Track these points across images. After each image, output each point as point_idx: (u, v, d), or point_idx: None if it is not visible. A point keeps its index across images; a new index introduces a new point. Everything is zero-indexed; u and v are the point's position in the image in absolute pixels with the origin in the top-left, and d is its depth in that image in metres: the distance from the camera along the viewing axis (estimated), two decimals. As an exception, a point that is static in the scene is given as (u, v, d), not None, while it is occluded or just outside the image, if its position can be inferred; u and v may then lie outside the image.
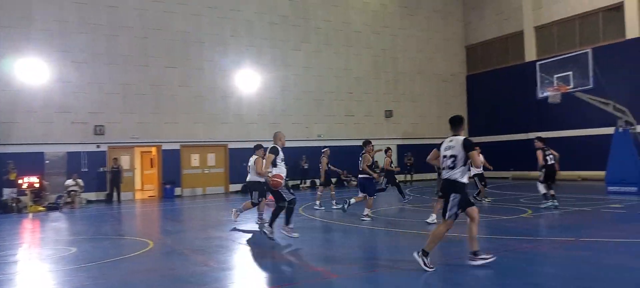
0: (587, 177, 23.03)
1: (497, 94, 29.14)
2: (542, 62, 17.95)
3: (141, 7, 22.60)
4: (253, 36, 25.17)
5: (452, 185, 6.61)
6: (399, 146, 28.35)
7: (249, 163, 11.41)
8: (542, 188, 13.19)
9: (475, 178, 14.88)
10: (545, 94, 17.07)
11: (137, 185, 25.21)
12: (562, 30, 26.07)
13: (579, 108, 20.63)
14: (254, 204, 11.45)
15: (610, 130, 17.66)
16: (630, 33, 22.75)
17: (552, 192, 13.06)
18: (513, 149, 26.66)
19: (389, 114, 28.64)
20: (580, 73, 15.90)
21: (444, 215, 6.70)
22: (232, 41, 24.64)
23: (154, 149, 23.88)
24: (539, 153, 13.17)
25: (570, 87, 16.17)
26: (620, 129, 16.54)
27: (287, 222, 9.26)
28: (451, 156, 6.63)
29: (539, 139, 13.66)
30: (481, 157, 6.21)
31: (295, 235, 9.21)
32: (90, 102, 21.37)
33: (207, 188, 23.90)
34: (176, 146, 23.21)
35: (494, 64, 29.94)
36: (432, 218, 10.91)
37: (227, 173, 24.34)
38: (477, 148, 6.81)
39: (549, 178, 13.09)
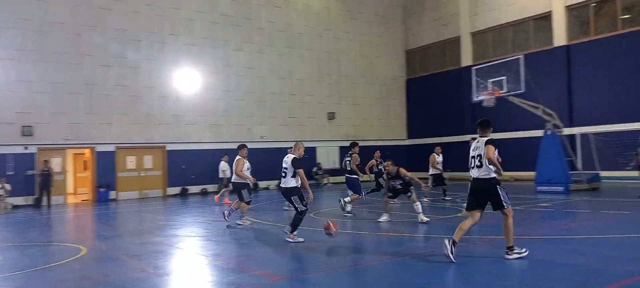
0: (518, 178, 24.12)
1: (435, 97, 30.01)
2: (478, 67, 18.65)
3: (74, 3, 21.58)
4: (193, 35, 24.64)
5: (489, 182, 6.98)
6: (341, 148, 28.63)
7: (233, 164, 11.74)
8: None
9: (430, 178, 15.33)
10: (480, 98, 17.73)
11: (70, 189, 24.09)
12: (497, 37, 27.20)
13: (512, 111, 21.60)
14: (248, 203, 11.53)
15: (539, 133, 18.59)
16: (558, 41, 24.06)
17: None
18: (450, 151, 27.52)
19: (331, 116, 28.84)
20: (513, 78, 16.64)
21: (501, 208, 7.02)
22: (171, 40, 24.00)
23: (87, 151, 22.87)
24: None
25: (504, 91, 16.89)
26: (549, 132, 17.45)
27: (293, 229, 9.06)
28: (478, 155, 7.05)
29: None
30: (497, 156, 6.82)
31: (301, 240, 8.97)
32: (17, 101, 20.17)
33: (144, 191, 23.13)
34: (111, 148, 22.33)
35: (433, 68, 30.81)
36: (384, 217, 11.13)
37: (165, 176, 23.66)
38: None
39: None
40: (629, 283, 5.64)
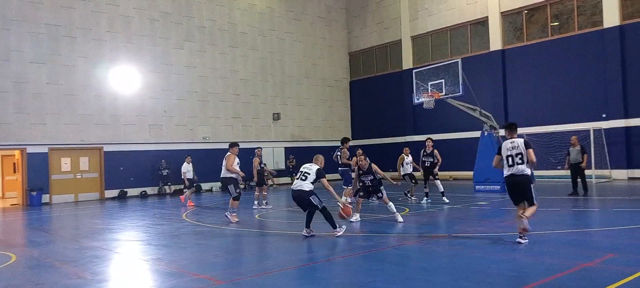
0: (457, 177, 24.97)
1: (378, 99, 30.56)
2: (418, 70, 19.10)
3: (2, -5, 20.42)
4: (131, 33, 23.86)
5: (526, 177, 7.98)
6: (286, 149, 28.60)
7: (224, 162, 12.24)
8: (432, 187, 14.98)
9: (406, 177, 15.58)
10: (420, 100, 18.18)
11: (-3, 193, 22.75)
12: (436, 41, 28.03)
13: (451, 113, 22.32)
14: (236, 198, 12.01)
15: (477, 134, 19.31)
16: (493, 45, 25.10)
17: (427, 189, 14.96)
18: (392, 151, 28.10)
19: (276, 117, 28.73)
20: (452, 81, 17.17)
21: (530, 202, 7.98)
22: (108, 37, 23.14)
23: (17, 153, 21.63)
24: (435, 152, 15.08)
25: (443, 93, 17.40)
26: (486, 133, 18.13)
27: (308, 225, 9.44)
28: (518, 154, 7.99)
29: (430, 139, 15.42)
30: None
31: (340, 232, 9.32)
32: (-63, 99, 18.86)
33: (79, 194, 22.18)
34: (44, 149, 21.25)
35: (376, 70, 31.36)
36: (356, 217, 11.13)
37: (102, 179, 22.78)
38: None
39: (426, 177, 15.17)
40: (560, 277, 5.94)
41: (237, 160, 12.39)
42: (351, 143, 32.49)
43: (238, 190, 12.06)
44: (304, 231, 9.40)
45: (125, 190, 23.11)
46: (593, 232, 8.67)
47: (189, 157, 19.43)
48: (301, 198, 9.37)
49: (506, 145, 8.16)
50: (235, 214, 12.08)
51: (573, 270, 6.22)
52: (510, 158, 8.03)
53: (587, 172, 16.01)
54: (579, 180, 15.43)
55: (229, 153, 12.32)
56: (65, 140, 21.82)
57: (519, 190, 8.02)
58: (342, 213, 9.61)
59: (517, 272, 6.24)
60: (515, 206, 8.23)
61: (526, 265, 6.66)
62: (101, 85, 22.84)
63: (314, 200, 9.27)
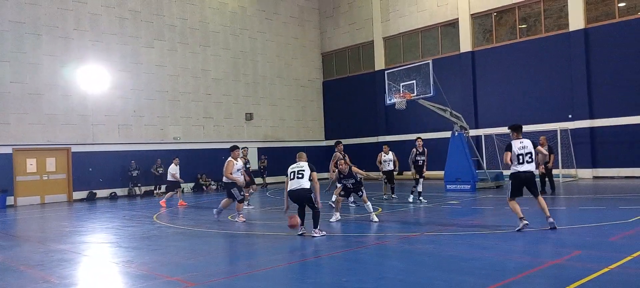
0: (428, 177, 25.19)
1: (351, 99, 30.68)
2: (390, 70, 19.25)
3: (-37, -9, 19.74)
4: (100, 31, 23.37)
5: (534, 175, 9.17)
6: (259, 149, 28.44)
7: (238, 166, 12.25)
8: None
9: (384, 177, 15.66)
10: (392, 101, 18.33)
11: (-42, 195, 21.91)
12: (408, 42, 28.30)
13: (422, 114, 22.57)
14: (241, 201, 12.02)
15: (447, 134, 19.58)
16: (464, 47, 25.49)
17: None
18: (364, 152, 28.30)
19: (249, 117, 28.55)
20: (423, 82, 17.38)
21: (536, 195, 9.07)
22: (75, 35, 22.61)
23: (-21, 153, 20.93)
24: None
25: (414, 94, 17.58)
26: (456, 133, 18.41)
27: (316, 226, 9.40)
28: (528, 154, 8.98)
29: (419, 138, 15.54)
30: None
31: (324, 233, 9.38)
32: None
33: (46, 196, 21.60)
34: (8, 150, 20.63)
35: (348, 71, 31.48)
36: (335, 217, 11.24)
37: (70, 180, 22.24)
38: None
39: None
40: (530, 274, 6.07)
41: (237, 164, 12.14)
42: (325, 143, 32.68)
43: (242, 193, 12.13)
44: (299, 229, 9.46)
45: (94, 191, 22.61)
46: (560, 229, 8.88)
47: (176, 158, 18.83)
48: (302, 197, 9.46)
49: (516, 144, 9.04)
50: (242, 215, 12.14)
51: (542, 267, 6.36)
52: (520, 157, 8.97)
53: (555, 171, 16.41)
54: (547, 179, 15.77)
55: (229, 158, 12.08)
56: (31, 140, 21.23)
57: (528, 184, 9.02)
58: (291, 224, 9.42)
59: (488, 270, 6.34)
60: (512, 199, 9.08)
61: (497, 262, 6.78)
62: (68, 85, 22.29)
63: (313, 198, 9.46)
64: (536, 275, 6.03)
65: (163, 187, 23.62)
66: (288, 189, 9.57)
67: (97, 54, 23.18)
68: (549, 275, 6.02)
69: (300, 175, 9.48)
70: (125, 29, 24.24)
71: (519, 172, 9.00)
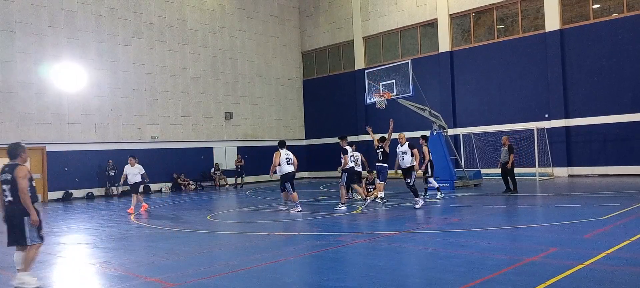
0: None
1: (331, 98, 30.71)
2: (370, 70, 19.30)
3: None
4: (75, 28, 22.94)
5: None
6: (239, 148, 28.27)
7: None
8: (434, 182, 15.41)
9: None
10: (372, 100, 18.40)
11: None
12: (387, 42, 28.44)
13: (401, 113, 22.67)
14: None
15: (426, 134, 19.69)
16: (442, 47, 25.72)
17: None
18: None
19: (228, 116, 28.34)
20: (402, 81, 17.47)
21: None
22: (49, 32, 22.16)
23: (-51, 153, 20.36)
24: (425, 150, 15.16)
25: (394, 94, 17.67)
26: (435, 132, 18.56)
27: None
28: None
29: (424, 137, 15.59)
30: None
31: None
32: None
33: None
34: (-20, 149, 20.10)
35: (328, 70, 31.50)
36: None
37: (45, 180, 21.81)
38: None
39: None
40: (507, 271, 6.14)
41: (283, 155, 13.11)
42: (306, 142, 32.66)
43: (293, 186, 13.12)
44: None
45: (70, 191, 22.21)
46: (536, 227, 9.02)
47: (131, 157, 16.57)
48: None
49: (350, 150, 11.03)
50: (297, 206, 13.03)
51: (519, 265, 6.44)
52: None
53: (531, 169, 16.63)
54: (508, 178, 15.86)
55: (276, 152, 13.28)
56: (3, 139, 20.66)
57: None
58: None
59: (467, 268, 6.39)
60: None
61: (475, 260, 6.85)
62: (43, 83, 21.84)
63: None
64: (514, 272, 6.10)
65: (119, 189, 22.97)
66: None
67: (72, 52, 22.76)
68: (527, 272, 6.10)
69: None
70: (102, 26, 23.85)
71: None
